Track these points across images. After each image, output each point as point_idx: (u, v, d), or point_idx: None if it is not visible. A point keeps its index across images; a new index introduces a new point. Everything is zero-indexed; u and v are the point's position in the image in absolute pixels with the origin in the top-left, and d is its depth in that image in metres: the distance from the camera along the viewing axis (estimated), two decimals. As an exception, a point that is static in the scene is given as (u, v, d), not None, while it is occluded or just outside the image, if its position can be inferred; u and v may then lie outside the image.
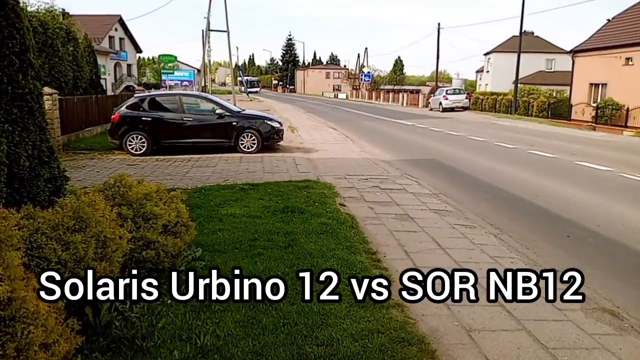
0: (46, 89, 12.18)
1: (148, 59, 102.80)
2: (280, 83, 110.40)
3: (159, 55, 39.52)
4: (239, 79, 74.39)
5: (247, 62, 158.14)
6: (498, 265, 4.75)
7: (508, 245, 5.45)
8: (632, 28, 25.66)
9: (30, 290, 2.43)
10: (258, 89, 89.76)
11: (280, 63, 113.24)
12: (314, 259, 4.59)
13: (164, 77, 41.14)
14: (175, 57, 38.57)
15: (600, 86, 26.78)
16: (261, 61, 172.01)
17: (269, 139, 13.07)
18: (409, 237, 5.61)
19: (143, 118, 12.54)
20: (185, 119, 12.59)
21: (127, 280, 3.35)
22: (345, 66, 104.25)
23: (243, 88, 67.93)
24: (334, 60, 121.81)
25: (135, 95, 14.84)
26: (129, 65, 53.49)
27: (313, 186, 8.06)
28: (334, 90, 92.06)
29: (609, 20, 28.90)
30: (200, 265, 4.29)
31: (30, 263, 2.81)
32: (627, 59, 24.37)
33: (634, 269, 5.02)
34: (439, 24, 45.43)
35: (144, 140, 12.43)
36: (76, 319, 2.75)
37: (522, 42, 32.26)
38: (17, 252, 2.53)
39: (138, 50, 56.81)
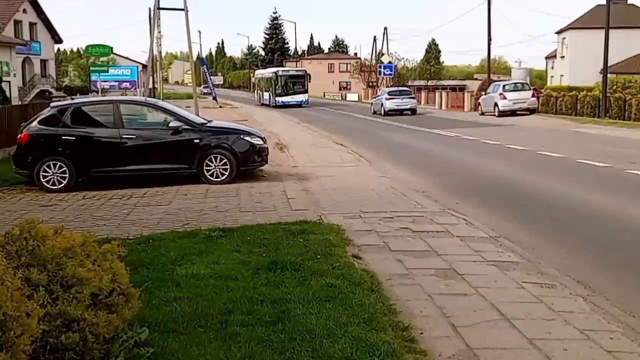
0: None
1: (72, 51, 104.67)
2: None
3: (87, 47, 40.14)
4: (211, 80, 73.59)
5: (214, 53, 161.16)
6: (591, 344, 4.67)
7: (605, 312, 5.38)
8: None
9: None
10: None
11: (263, 52, 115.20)
12: (316, 339, 4.52)
13: (94, 77, 41.67)
14: (111, 49, 39.25)
15: None
16: (235, 51, 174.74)
17: (248, 162, 13.16)
18: (457, 303, 5.55)
19: (64, 137, 12.63)
20: (125, 136, 12.68)
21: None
22: (356, 54, 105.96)
23: (210, 90, 67.48)
24: (339, 47, 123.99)
25: (53, 104, 14.99)
26: (43, 62, 54.37)
27: (313, 230, 8.04)
28: (340, 89, 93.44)
29: None
30: (147, 353, 4.22)
31: None
32: None
33: None
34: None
35: (64, 169, 12.49)
36: None
37: (611, 14, 32.63)
38: None
39: (57, 39, 57.87)
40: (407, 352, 4.44)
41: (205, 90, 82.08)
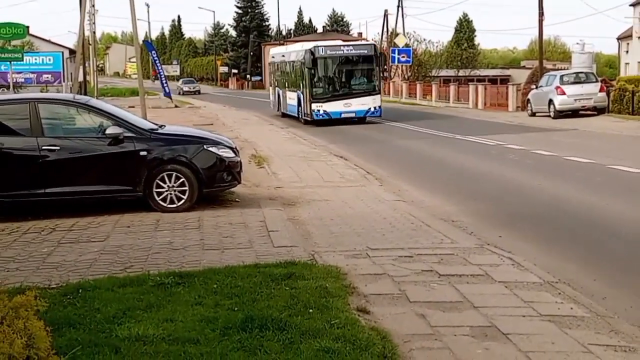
0: None
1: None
2: (234, 72, 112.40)
3: (-5, 26, 40.19)
4: (162, 71, 73.10)
5: (167, 35, 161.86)
6: None
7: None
8: None
9: None
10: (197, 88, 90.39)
11: (234, 33, 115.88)
12: None
13: (2, 67, 41.76)
14: (26, 28, 39.23)
15: None
16: (196, 32, 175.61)
17: (214, 181, 13.15)
18: (501, 373, 5.55)
19: (-40, 151, 12.60)
20: (45, 148, 12.64)
21: None
22: (360, 35, 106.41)
23: (162, 84, 67.33)
24: (338, 25, 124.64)
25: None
26: None
27: (303, 274, 8.02)
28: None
29: None
30: None
31: None
32: None
33: None
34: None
35: (-38, 193, 12.47)
36: None
37: None
38: None
39: (-47, 16, 57.99)
40: None
41: (184, 87, 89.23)
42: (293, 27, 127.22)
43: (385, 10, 79.59)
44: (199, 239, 10.42)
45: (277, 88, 43.89)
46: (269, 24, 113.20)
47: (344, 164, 19.57)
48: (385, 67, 39.86)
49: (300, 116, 37.11)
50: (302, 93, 35.74)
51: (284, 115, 41.56)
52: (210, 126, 26.90)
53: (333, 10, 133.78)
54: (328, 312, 6.68)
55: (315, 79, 34.33)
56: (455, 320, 6.73)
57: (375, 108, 34.83)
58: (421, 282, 7.97)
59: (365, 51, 35.36)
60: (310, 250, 9.52)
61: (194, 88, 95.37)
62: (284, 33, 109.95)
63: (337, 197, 14.03)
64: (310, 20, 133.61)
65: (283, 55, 42.85)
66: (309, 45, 35.36)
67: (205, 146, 13.37)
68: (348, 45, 35.86)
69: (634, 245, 10.10)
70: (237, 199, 13.72)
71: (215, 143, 13.63)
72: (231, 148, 13.82)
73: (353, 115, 34.71)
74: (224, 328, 6.27)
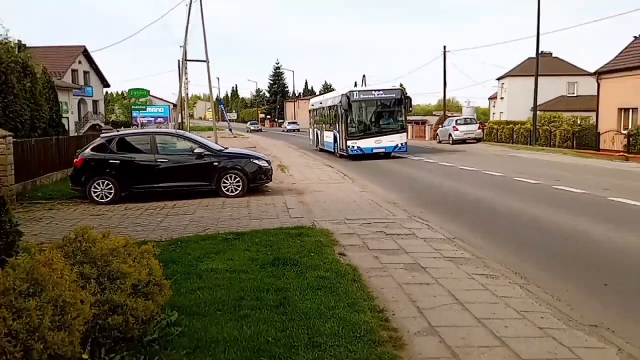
0: (-1, 131, 12.27)
1: (117, 94, 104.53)
2: (268, 117, 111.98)
3: (129, 90, 40.19)
4: (228, 116, 72.84)
5: (229, 95, 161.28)
6: (527, 322, 4.67)
7: (536, 297, 5.38)
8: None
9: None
10: (297, 127, 75.18)
11: (268, 94, 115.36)
12: (310, 320, 4.51)
13: (134, 114, 41.66)
14: (148, 91, 39.21)
15: (630, 111, 27.29)
16: (246, 93, 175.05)
17: (256, 180, 13.13)
18: (421, 290, 5.54)
19: (110, 161, 12.62)
20: (159, 160, 12.67)
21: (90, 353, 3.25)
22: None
23: (227, 124, 67.19)
24: (328, 90, 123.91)
25: (102, 135, 14.97)
26: (94, 102, 54.22)
27: (308, 233, 8.03)
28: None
29: (635, 37, 29.70)
30: (176, 331, 4.20)
31: (-26, 335, 2.73)
32: (659, 79, 24.96)
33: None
34: (444, 47, 46.24)
35: (111, 186, 12.46)
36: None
37: (540, 64, 33.02)
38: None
39: (105, 84, 57.69)
40: (382, 329, 4.43)
41: (251, 127, 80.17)
42: (302, 91, 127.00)
43: (355, 82, 79.18)
44: (247, 213, 10.42)
45: (315, 129, 34.16)
46: (288, 89, 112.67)
47: (331, 170, 19.53)
48: (410, 109, 27.26)
49: (335, 151, 27.42)
50: (338, 132, 26.47)
51: (321, 150, 31.60)
52: (253, 148, 26.77)
53: (325, 81, 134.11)
54: (322, 255, 6.70)
55: (350, 119, 25.15)
56: (395, 260, 6.72)
57: (401, 144, 25.39)
58: (375, 238, 7.96)
59: (394, 95, 25.72)
60: (312, 219, 9.50)
61: (257, 127, 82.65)
62: (296, 94, 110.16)
63: (327, 189, 13.98)
64: (311, 87, 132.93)
65: (320, 102, 32.77)
66: (344, 91, 25.75)
67: (251, 159, 13.38)
68: (379, 90, 25.78)
69: (495, 215, 10.10)
70: (269, 190, 13.71)
71: (257, 157, 13.65)
72: (266, 160, 13.83)
73: (383, 150, 25.25)
74: (262, 264, 6.30)
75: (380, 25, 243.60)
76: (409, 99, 25.84)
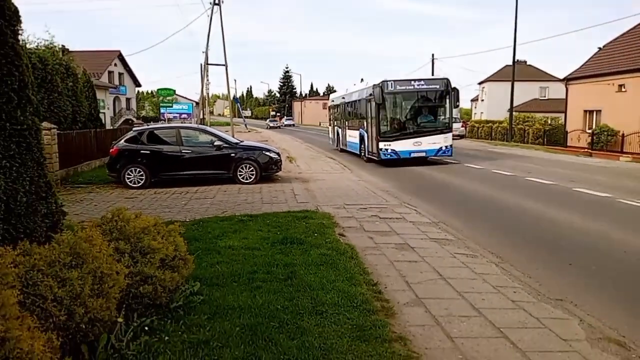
0: (45, 124, 12.28)
1: (147, 92, 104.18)
2: (278, 114, 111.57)
3: (158, 89, 40.00)
4: (243, 113, 71.63)
5: (245, 95, 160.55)
6: (501, 296, 4.68)
7: (510, 274, 5.39)
8: (624, 55, 26.14)
9: (24, 329, 2.38)
10: (292, 122, 70.84)
11: (278, 95, 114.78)
12: (314, 291, 4.52)
13: (162, 110, 41.51)
14: (174, 91, 39.04)
15: (594, 113, 27.08)
16: (259, 93, 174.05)
17: (267, 169, 13.10)
18: (410, 267, 5.55)
19: (141, 151, 12.61)
20: (183, 151, 12.66)
21: (125, 317, 3.28)
22: (343, 97, 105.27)
23: (242, 120, 66.75)
24: (330, 91, 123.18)
25: (134, 128, 14.95)
26: (128, 99, 54.05)
27: (312, 216, 8.02)
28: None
29: (600, 48, 29.44)
30: (198, 300, 4.22)
31: (26, 301, 2.76)
32: (620, 85, 24.73)
33: (639, 296, 4.95)
34: (432, 55, 45.90)
35: (142, 173, 12.48)
36: (72, 358, 2.69)
37: (516, 71, 32.76)
38: (12, 290, 2.49)
39: (137, 84, 57.51)
40: (376, 300, 4.45)
41: (270, 124, 71.42)
42: (308, 92, 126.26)
43: (354, 84, 78.46)
44: (260, 198, 10.39)
45: (336, 127, 26.29)
46: (296, 90, 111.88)
47: (333, 162, 19.45)
48: (457, 103, 19.02)
49: (362, 154, 20.09)
50: (366, 131, 19.32)
51: (342, 150, 24.29)
52: (265, 141, 26.66)
53: (328, 84, 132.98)
54: (324, 235, 6.69)
55: (383, 116, 17.68)
56: (388, 240, 6.73)
57: (446, 147, 18.01)
58: (371, 221, 7.95)
59: (437, 86, 18.08)
60: (315, 204, 9.49)
61: (276, 124, 72.51)
62: (303, 95, 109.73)
63: (329, 178, 13.95)
64: (316, 89, 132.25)
65: (343, 97, 24.66)
66: (377, 80, 18.14)
67: (263, 151, 13.33)
68: (419, 80, 18.19)
69: (474, 202, 10.10)
70: (279, 179, 13.68)
71: (269, 150, 13.58)
72: (277, 152, 13.77)
73: (423, 154, 17.85)
74: (273, 242, 6.29)
75: (379, 36, 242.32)
76: (456, 91, 17.87)
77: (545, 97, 51.90)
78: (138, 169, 12.48)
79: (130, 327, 3.44)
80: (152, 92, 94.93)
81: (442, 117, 18.37)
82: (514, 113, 33.90)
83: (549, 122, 34.37)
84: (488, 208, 9.67)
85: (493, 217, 8.79)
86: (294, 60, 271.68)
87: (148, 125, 21.54)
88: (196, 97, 72.87)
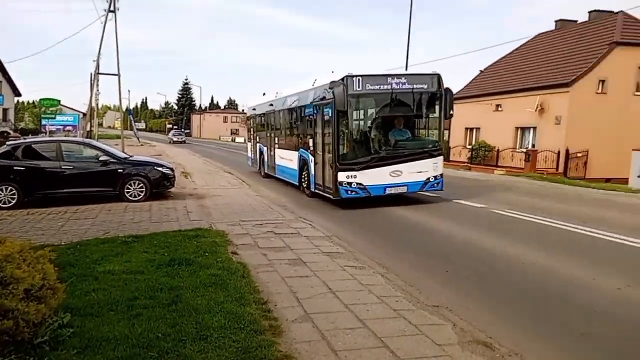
0: None
1: (28, 102, 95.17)
2: (175, 127, 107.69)
3: (40, 99, 36.80)
4: (135, 125, 68.41)
5: (139, 106, 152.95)
6: (384, 305, 4.89)
7: (394, 284, 5.65)
8: (501, 78, 29.14)
9: None
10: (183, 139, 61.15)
11: (176, 107, 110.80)
12: (199, 315, 4.37)
13: (44, 122, 38.31)
14: (59, 101, 36.26)
15: (474, 130, 29.70)
16: (155, 105, 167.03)
17: (159, 185, 12.54)
18: (301, 282, 5.59)
19: (15, 168, 11.47)
20: (64, 167, 11.69)
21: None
22: (243, 110, 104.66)
23: (134, 133, 63.17)
24: (231, 105, 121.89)
25: (8, 142, 13.54)
26: (5, 110, 48.93)
27: (204, 235, 7.78)
28: (231, 134, 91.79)
29: (481, 71, 32.51)
30: (68, 332, 3.87)
31: None
32: (497, 105, 27.42)
33: (506, 301, 5.45)
34: (332, 72, 47.40)
35: (14, 192, 11.33)
36: None
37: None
38: None
39: (17, 93, 52.35)
40: (265, 319, 4.41)
41: (173, 138, 61.34)
42: (208, 105, 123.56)
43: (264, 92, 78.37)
44: (149, 217, 9.88)
45: (258, 144, 19.47)
46: (195, 103, 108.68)
47: (230, 177, 19.12)
48: (452, 112, 10.90)
49: (303, 185, 13.75)
50: (313, 153, 12.51)
51: (268, 176, 17.97)
52: (159, 156, 25.54)
53: (229, 97, 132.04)
54: (216, 254, 6.53)
55: (344, 131, 10.95)
56: (281, 256, 6.73)
57: (434, 178, 11.59)
58: (266, 237, 7.90)
59: (425, 86, 11.06)
60: (209, 222, 9.22)
61: (181, 139, 62.06)
62: (203, 108, 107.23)
63: (226, 194, 13.68)
64: (217, 102, 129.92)
65: (271, 104, 17.04)
66: (334, 76, 10.89)
67: (155, 166, 12.77)
68: (399, 77, 10.80)
69: (368, 217, 10.43)
70: (171, 195, 13.13)
71: (161, 165, 13.03)
72: (169, 168, 13.24)
73: (404, 189, 11.36)
74: (159, 264, 5.98)
75: (278, 52, 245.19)
76: (450, 93, 11.42)
77: (433, 114, 55.75)
78: (9, 187, 11.29)
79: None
80: (34, 102, 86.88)
81: (432, 131, 12.26)
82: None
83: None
84: (373, 220, 10.09)
85: (378, 228, 9.26)
86: (194, 73, 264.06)
87: (25, 138, 19.62)
88: (84, 108, 67.95)
